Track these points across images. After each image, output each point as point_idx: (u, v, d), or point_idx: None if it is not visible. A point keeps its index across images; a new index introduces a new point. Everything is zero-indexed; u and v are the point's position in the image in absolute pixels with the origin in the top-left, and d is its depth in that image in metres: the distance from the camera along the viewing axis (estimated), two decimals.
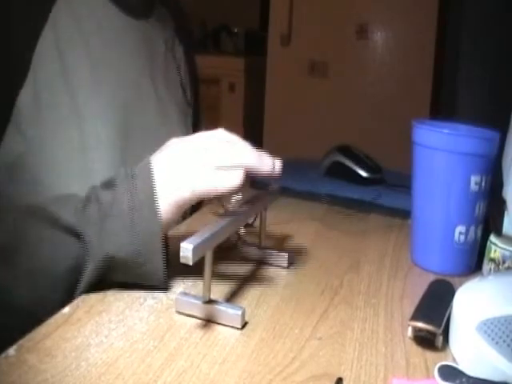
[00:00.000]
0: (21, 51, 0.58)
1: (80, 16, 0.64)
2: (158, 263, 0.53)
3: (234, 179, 0.53)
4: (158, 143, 0.57)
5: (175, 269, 0.57)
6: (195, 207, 0.79)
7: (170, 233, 0.71)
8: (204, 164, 0.54)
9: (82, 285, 0.53)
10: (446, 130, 0.66)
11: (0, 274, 0.55)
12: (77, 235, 0.53)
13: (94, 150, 0.62)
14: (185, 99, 0.83)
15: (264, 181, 0.65)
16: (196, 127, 0.86)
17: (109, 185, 0.55)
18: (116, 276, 0.54)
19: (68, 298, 0.53)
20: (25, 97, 0.58)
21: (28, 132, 0.58)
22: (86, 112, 0.62)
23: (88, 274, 0.52)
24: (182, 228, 0.74)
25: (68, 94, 0.61)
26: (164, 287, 0.55)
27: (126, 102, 0.68)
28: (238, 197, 0.57)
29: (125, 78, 0.68)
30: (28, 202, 0.56)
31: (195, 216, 0.79)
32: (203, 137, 0.57)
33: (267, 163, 0.55)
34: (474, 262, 0.67)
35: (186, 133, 0.80)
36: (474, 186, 0.63)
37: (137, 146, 0.67)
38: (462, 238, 0.65)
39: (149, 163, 0.55)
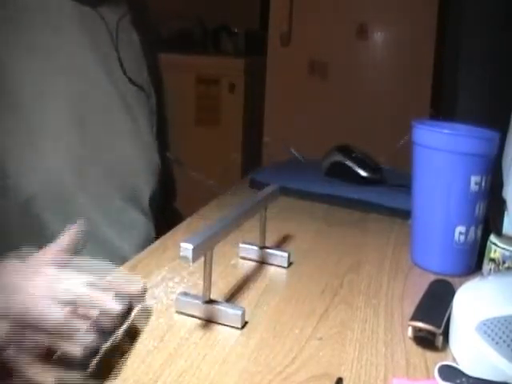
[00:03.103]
0: None
1: (28, 4, 0.63)
2: None
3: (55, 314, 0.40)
4: (116, 112, 0.57)
5: (175, 268, 0.57)
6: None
7: (170, 232, 0.71)
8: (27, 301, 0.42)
9: None
10: (445, 130, 0.66)
11: None
12: None
13: (45, 141, 0.62)
14: (143, 91, 0.81)
15: (264, 181, 0.66)
16: (159, 111, 0.86)
17: None
18: None
19: None
20: None
21: None
22: (33, 104, 0.62)
23: None
24: (182, 228, 0.74)
25: (8, 89, 0.60)
26: None
27: (79, 88, 0.67)
28: None
29: (72, 65, 0.68)
30: None
31: (195, 216, 0.79)
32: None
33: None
34: (474, 262, 0.67)
35: (146, 111, 0.80)
36: (474, 186, 0.63)
37: (98, 130, 0.67)
38: (462, 238, 0.65)
39: None
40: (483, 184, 0.64)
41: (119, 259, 0.63)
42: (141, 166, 0.76)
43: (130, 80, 0.78)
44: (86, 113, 0.67)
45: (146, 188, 0.76)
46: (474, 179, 0.63)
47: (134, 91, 0.79)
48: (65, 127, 0.64)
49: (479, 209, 0.65)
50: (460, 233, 0.65)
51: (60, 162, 0.63)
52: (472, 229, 0.65)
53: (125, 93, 0.76)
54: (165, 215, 0.86)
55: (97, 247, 0.65)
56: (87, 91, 0.69)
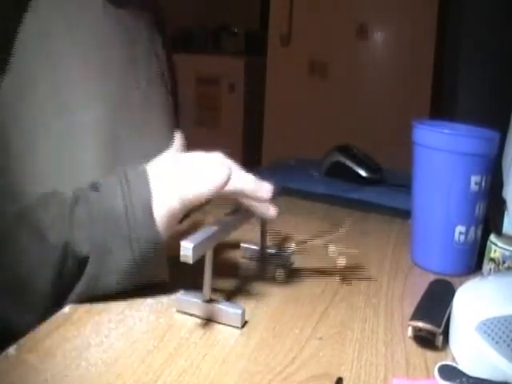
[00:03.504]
0: (1, 40, 0.57)
1: (61, 3, 0.62)
2: (159, 271, 0.53)
3: (217, 177, 0.51)
4: (144, 133, 0.57)
5: (175, 268, 0.57)
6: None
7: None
8: (191, 174, 0.53)
9: (73, 296, 0.51)
10: (445, 130, 0.66)
11: None
12: (65, 243, 0.50)
13: (81, 140, 0.61)
14: (166, 89, 0.81)
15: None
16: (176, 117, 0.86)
17: (97, 187, 0.53)
18: (109, 284, 0.51)
19: (44, 315, 0.49)
20: (7, 86, 0.56)
21: (7, 122, 0.57)
22: (73, 103, 0.61)
23: (80, 286, 0.50)
24: (183, 227, 0.74)
25: (52, 85, 0.60)
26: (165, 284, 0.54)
27: (111, 91, 0.66)
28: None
29: (108, 68, 0.67)
30: (13, 208, 0.54)
31: (195, 216, 0.79)
32: (199, 157, 0.56)
33: (264, 189, 0.54)
34: (474, 261, 0.67)
35: (170, 122, 0.80)
36: (474, 186, 0.63)
37: (124, 137, 0.66)
38: (462, 237, 0.65)
39: (144, 171, 0.53)
40: (483, 184, 0.64)
41: None
42: None
43: (165, 84, 0.79)
44: (115, 118, 0.66)
45: None
46: (474, 179, 0.63)
47: (164, 97, 0.80)
48: (100, 130, 0.63)
49: (479, 209, 0.65)
50: (460, 233, 0.65)
51: (92, 165, 0.62)
52: (472, 229, 0.65)
53: (154, 98, 0.76)
54: None
55: None
56: (119, 94, 0.68)
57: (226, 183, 0.51)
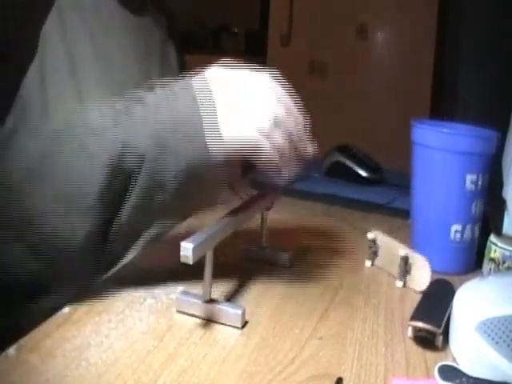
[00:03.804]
0: (26, 35, 0.57)
1: (84, 6, 0.63)
2: (215, 187, 0.52)
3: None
4: None
5: (175, 268, 0.57)
6: None
7: (171, 232, 0.71)
8: (276, 107, 0.51)
9: (131, 202, 0.49)
10: (441, 129, 0.66)
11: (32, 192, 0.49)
12: (124, 140, 0.48)
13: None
14: None
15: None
16: None
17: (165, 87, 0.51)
18: (165, 190, 0.50)
19: (102, 224, 0.49)
20: (31, 82, 0.57)
21: (31, 117, 0.56)
22: (88, 96, 0.61)
23: (138, 190, 0.49)
24: (183, 228, 0.74)
25: (74, 83, 0.60)
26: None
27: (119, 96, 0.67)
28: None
29: (125, 73, 0.68)
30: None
31: (196, 216, 0.78)
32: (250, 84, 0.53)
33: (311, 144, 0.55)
34: (472, 260, 0.67)
35: None
36: (469, 185, 0.64)
37: None
38: (458, 236, 0.65)
39: (204, 78, 0.51)
40: (480, 183, 0.64)
41: None
42: None
43: None
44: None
45: None
46: (469, 178, 0.63)
47: None
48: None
49: (476, 207, 0.65)
50: (456, 231, 0.65)
51: None
52: (468, 227, 0.65)
53: None
54: None
55: None
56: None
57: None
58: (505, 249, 0.62)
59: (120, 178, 0.49)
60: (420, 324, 0.48)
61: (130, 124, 0.49)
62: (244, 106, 0.50)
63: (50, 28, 0.59)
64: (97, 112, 0.51)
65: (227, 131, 0.49)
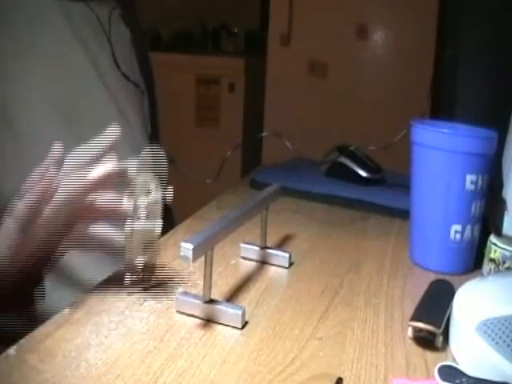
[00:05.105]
0: None
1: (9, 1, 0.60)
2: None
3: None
4: (109, 119, 0.53)
5: (175, 268, 0.57)
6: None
7: (171, 232, 0.71)
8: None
9: None
10: (441, 129, 0.66)
11: None
12: None
13: (33, 152, 0.58)
14: (125, 78, 0.78)
15: (264, 181, 0.66)
16: (152, 109, 0.84)
17: None
18: None
19: None
20: None
21: None
22: (17, 108, 0.59)
23: None
24: (183, 228, 0.74)
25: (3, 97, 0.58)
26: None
27: (66, 86, 0.65)
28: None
29: (60, 66, 0.65)
30: None
31: (195, 216, 0.79)
32: None
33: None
34: (472, 260, 0.67)
35: (140, 110, 0.78)
36: (469, 185, 0.64)
37: (87, 126, 0.61)
38: (458, 236, 0.65)
39: None
40: (479, 183, 0.64)
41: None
42: None
43: (125, 77, 0.75)
44: (75, 119, 0.64)
45: None
46: (469, 178, 0.63)
47: (128, 89, 0.77)
48: (53, 137, 0.60)
49: (475, 208, 0.65)
50: (456, 231, 0.65)
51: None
52: (468, 227, 0.65)
53: (118, 93, 0.74)
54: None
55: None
56: (77, 95, 0.66)
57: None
58: (505, 249, 0.62)
59: None
60: (420, 324, 0.48)
61: None
62: None
63: None
64: None
65: None
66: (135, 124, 0.76)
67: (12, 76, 0.60)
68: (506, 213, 0.64)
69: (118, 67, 0.75)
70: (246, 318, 0.51)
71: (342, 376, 0.43)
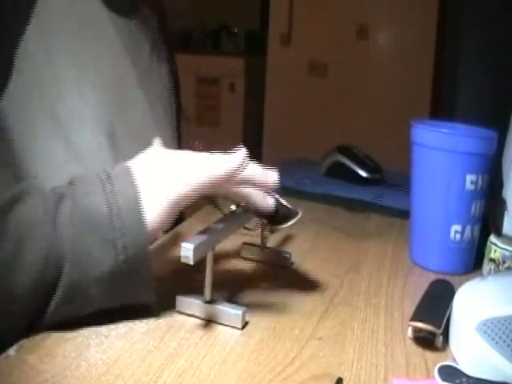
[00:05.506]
0: (4, 52, 0.55)
1: (62, 11, 0.61)
2: (145, 280, 0.47)
3: (231, 161, 0.47)
4: (147, 145, 0.52)
5: (175, 268, 0.57)
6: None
7: (171, 232, 0.71)
8: (195, 158, 0.49)
9: (48, 316, 0.45)
10: (440, 129, 0.66)
11: None
12: (49, 245, 0.44)
13: (86, 160, 0.59)
14: (169, 99, 0.81)
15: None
16: (177, 128, 0.85)
17: (75, 183, 0.48)
18: (88, 298, 0.46)
19: (18, 333, 0.45)
20: (8, 103, 0.55)
21: (10, 142, 0.55)
22: (73, 121, 0.59)
23: (57, 298, 0.44)
24: (183, 228, 0.74)
25: (55, 102, 0.58)
26: (151, 308, 0.49)
27: (113, 104, 0.65)
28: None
29: (110, 79, 0.66)
30: None
31: (196, 215, 0.79)
32: (189, 154, 0.51)
33: (271, 177, 0.51)
34: (472, 261, 0.67)
35: (173, 133, 0.80)
36: (469, 185, 0.64)
37: (126, 151, 0.60)
38: (458, 236, 0.65)
39: (125, 165, 0.48)
40: (479, 183, 0.64)
41: None
42: None
43: (169, 94, 0.79)
44: (117, 131, 0.64)
45: None
46: (469, 178, 0.63)
47: (165, 106, 0.79)
48: (104, 147, 0.61)
49: (475, 208, 0.65)
50: (456, 231, 0.65)
51: None
52: (468, 227, 0.65)
53: (157, 110, 0.75)
54: None
55: None
56: (124, 110, 0.67)
57: (237, 172, 0.47)
58: (505, 249, 0.62)
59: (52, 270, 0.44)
60: (420, 324, 0.48)
61: (57, 226, 0.45)
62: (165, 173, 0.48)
63: (30, 44, 0.57)
64: (25, 208, 0.45)
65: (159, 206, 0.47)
66: (168, 136, 0.77)
67: (63, 82, 0.60)
68: (506, 213, 0.64)
69: (170, 95, 0.79)
70: (246, 319, 0.51)
71: (341, 376, 0.43)
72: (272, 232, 0.62)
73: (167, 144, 0.56)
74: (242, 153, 0.48)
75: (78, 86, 0.61)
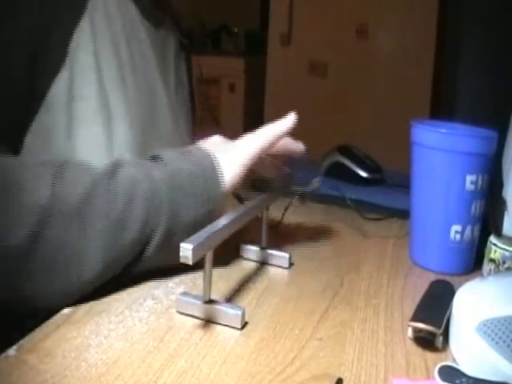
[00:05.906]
0: (59, 39, 0.58)
1: (112, 16, 0.64)
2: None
3: (284, 122, 0.63)
4: (172, 141, 0.61)
5: (175, 269, 0.57)
6: None
7: None
8: (239, 141, 0.60)
9: (143, 261, 0.54)
10: (440, 129, 0.66)
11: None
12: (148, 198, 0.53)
13: (120, 151, 0.62)
14: (188, 106, 0.84)
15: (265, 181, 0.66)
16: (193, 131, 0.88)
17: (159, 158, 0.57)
18: (176, 247, 0.50)
19: (121, 274, 0.54)
20: (60, 85, 0.58)
21: (57, 119, 0.58)
22: (116, 112, 0.62)
23: (156, 242, 0.53)
24: None
25: (99, 91, 0.61)
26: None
27: (145, 108, 0.68)
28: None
29: (144, 85, 0.69)
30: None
31: None
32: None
33: (288, 121, 0.64)
34: (472, 261, 0.67)
35: (190, 139, 0.82)
36: (469, 186, 0.64)
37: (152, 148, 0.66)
38: (458, 236, 0.65)
39: (196, 145, 0.59)
40: (479, 183, 0.64)
41: None
42: None
43: (189, 100, 0.83)
44: (146, 136, 0.68)
45: None
46: (469, 178, 0.63)
47: (185, 113, 0.82)
48: (137, 143, 0.65)
49: (475, 208, 0.65)
50: (456, 232, 0.65)
51: None
52: (468, 228, 0.65)
53: (178, 117, 0.78)
54: None
55: None
56: (152, 118, 0.70)
57: (278, 134, 0.62)
58: (505, 249, 0.62)
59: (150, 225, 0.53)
60: (420, 325, 0.48)
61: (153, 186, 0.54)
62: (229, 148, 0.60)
63: (82, 35, 0.60)
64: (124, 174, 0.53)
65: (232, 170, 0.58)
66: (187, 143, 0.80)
67: (116, 86, 0.63)
68: (506, 213, 0.64)
69: (190, 97, 0.83)
70: (246, 319, 0.51)
71: (341, 376, 0.43)
72: (301, 202, 0.73)
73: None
74: (289, 118, 0.63)
75: (118, 86, 0.64)
